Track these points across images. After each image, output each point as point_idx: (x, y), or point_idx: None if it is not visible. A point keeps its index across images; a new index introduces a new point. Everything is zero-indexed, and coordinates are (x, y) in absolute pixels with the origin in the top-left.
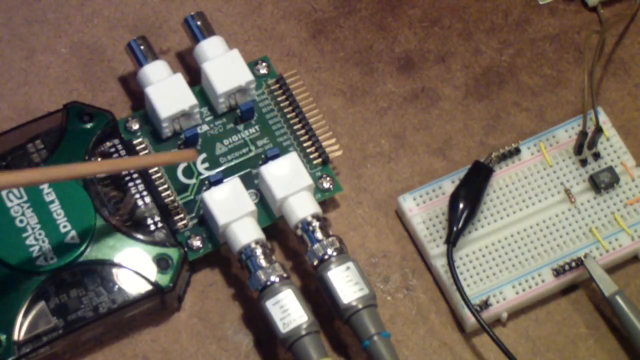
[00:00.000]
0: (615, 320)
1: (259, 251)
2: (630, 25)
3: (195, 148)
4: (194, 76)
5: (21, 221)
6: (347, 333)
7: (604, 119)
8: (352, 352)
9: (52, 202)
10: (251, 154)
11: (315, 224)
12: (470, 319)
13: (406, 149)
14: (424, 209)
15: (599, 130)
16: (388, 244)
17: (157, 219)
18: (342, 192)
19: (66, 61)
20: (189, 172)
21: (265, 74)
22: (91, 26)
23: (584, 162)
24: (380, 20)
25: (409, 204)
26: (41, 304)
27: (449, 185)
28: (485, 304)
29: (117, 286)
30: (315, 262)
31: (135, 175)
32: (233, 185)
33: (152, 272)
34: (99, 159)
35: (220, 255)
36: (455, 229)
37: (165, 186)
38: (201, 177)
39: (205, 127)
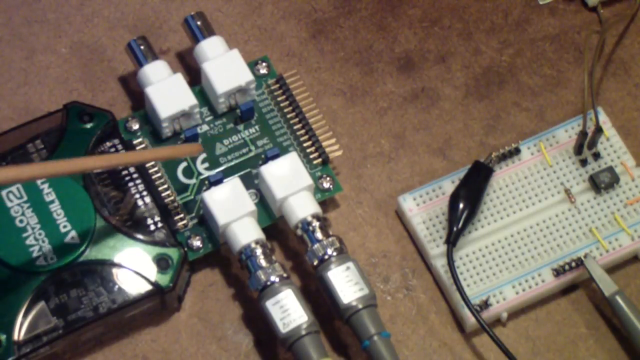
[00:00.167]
0: (615, 320)
1: (259, 251)
2: (630, 25)
3: (199, 143)
4: (194, 76)
5: (21, 221)
6: (347, 333)
7: (604, 119)
8: (352, 352)
9: (52, 202)
10: (251, 154)
11: (315, 224)
12: (470, 319)
13: (406, 149)
14: (424, 209)
15: (599, 130)
16: (388, 244)
17: (157, 219)
18: (342, 192)
19: (66, 61)
20: (189, 172)
21: (265, 74)
22: (91, 26)
23: (584, 162)
24: (380, 20)
25: (409, 204)
26: (41, 304)
27: (449, 185)
28: (485, 304)
29: (117, 286)
30: (315, 262)
31: (135, 175)
32: (233, 185)
33: (152, 272)
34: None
35: (220, 255)
36: (455, 229)
37: (165, 186)
38: (201, 177)
39: (205, 127)
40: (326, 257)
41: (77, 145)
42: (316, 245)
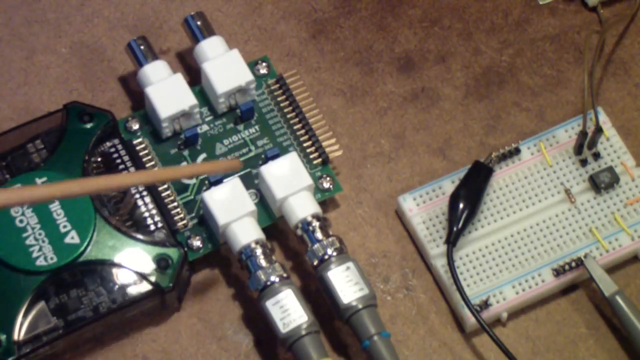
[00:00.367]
0: (615, 320)
1: (259, 251)
2: (630, 25)
3: (240, 160)
4: (194, 76)
5: (21, 221)
6: (347, 333)
7: (604, 119)
8: (352, 352)
9: (52, 202)
10: (251, 154)
11: (315, 224)
12: (470, 319)
13: (406, 149)
14: (424, 209)
15: (599, 130)
16: (388, 244)
17: (157, 219)
18: (342, 192)
19: (66, 61)
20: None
21: (265, 74)
22: (91, 26)
23: (584, 162)
24: (380, 20)
25: (409, 204)
26: (41, 304)
27: (449, 185)
28: (485, 304)
29: (117, 286)
30: (315, 262)
31: None
32: (233, 185)
33: (152, 272)
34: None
35: (220, 255)
36: (455, 229)
37: (165, 186)
38: (201, 177)
39: (205, 127)
40: (326, 257)
41: (77, 145)
42: (316, 245)
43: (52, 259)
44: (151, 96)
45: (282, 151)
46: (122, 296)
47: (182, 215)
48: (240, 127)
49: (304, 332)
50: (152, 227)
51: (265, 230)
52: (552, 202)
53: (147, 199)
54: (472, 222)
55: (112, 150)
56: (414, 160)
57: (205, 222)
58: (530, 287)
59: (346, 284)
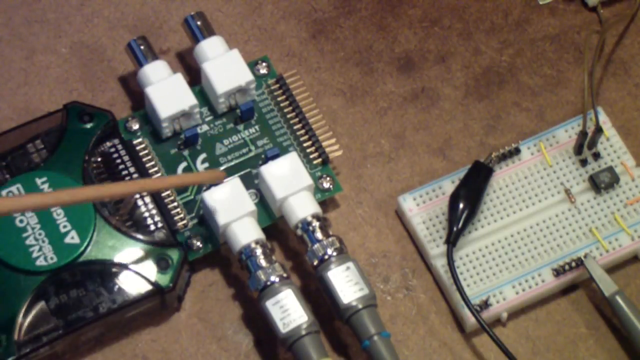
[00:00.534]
0: (615, 320)
1: (259, 251)
2: (630, 25)
3: (222, 171)
4: (194, 76)
5: (21, 221)
6: (347, 333)
7: (604, 119)
8: (352, 352)
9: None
10: (251, 154)
11: (315, 224)
12: (470, 319)
13: (406, 149)
14: (424, 209)
15: (599, 130)
16: (388, 244)
17: (157, 219)
18: (342, 192)
19: (66, 61)
20: (189, 172)
21: (265, 74)
22: (91, 26)
23: (584, 162)
24: (380, 20)
25: (409, 204)
26: (41, 304)
27: (449, 185)
28: (485, 304)
29: (117, 286)
30: (315, 262)
31: (135, 176)
32: (233, 185)
33: (152, 272)
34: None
35: (220, 255)
36: (455, 229)
37: None
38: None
39: (205, 127)
40: (326, 257)
41: (77, 145)
42: (316, 245)
43: (52, 259)
44: (151, 96)
45: (282, 151)
46: (122, 296)
47: (182, 215)
48: (240, 127)
49: (304, 332)
50: (152, 227)
51: (265, 230)
52: (552, 202)
53: (147, 199)
54: (472, 222)
55: (112, 150)
56: (414, 160)
57: (205, 222)
58: (530, 287)
59: (346, 284)
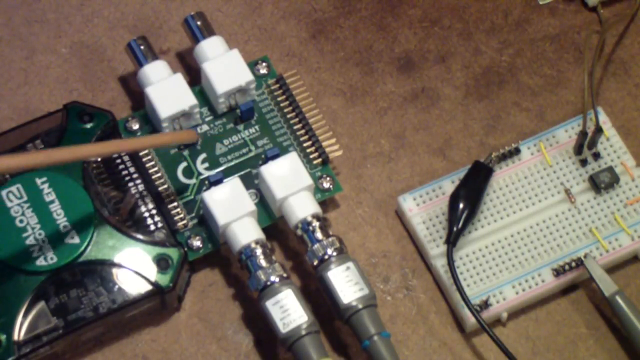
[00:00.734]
0: (615, 320)
1: (259, 251)
2: (630, 25)
3: (194, 130)
4: (194, 76)
5: (21, 221)
6: (347, 333)
7: (604, 119)
8: (352, 352)
9: (52, 202)
10: (251, 154)
11: (315, 224)
12: (470, 319)
13: (406, 149)
14: (424, 209)
15: (599, 130)
16: (388, 244)
17: (157, 219)
18: (342, 192)
19: (66, 61)
20: (189, 172)
21: (265, 74)
22: (91, 26)
23: (584, 162)
24: (380, 20)
25: (409, 204)
26: (41, 304)
27: (449, 185)
28: (485, 304)
29: (117, 286)
30: (315, 262)
31: (135, 176)
32: (233, 185)
33: (152, 272)
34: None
35: (220, 255)
36: (455, 229)
37: (165, 186)
38: (201, 177)
39: (205, 127)
40: (326, 257)
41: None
42: (316, 245)
43: (52, 259)
44: (151, 96)
45: (282, 151)
46: (122, 296)
47: (182, 215)
48: (240, 127)
49: (304, 332)
50: (152, 227)
51: (265, 230)
52: (552, 202)
53: (147, 199)
54: (472, 222)
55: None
56: (414, 160)
57: (205, 222)
58: (530, 287)
59: (346, 284)
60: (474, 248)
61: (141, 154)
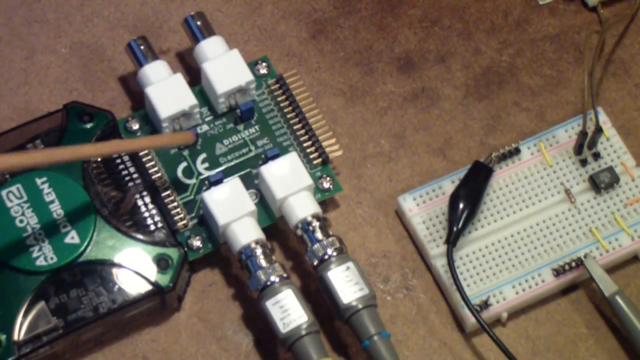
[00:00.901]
0: (615, 320)
1: (259, 251)
2: (630, 25)
3: (192, 132)
4: (194, 76)
5: (21, 221)
6: (347, 333)
7: (604, 119)
8: (352, 352)
9: (52, 202)
10: (251, 154)
11: (315, 224)
12: (470, 319)
13: (406, 149)
14: (424, 209)
15: (599, 130)
16: (388, 244)
17: (157, 219)
18: (342, 192)
19: (66, 61)
20: (189, 172)
21: (265, 74)
22: (91, 26)
23: (584, 162)
24: (380, 20)
25: (409, 204)
26: (41, 304)
27: (449, 185)
28: (485, 304)
29: (117, 286)
30: (315, 262)
31: (135, 176)
32: (233, 185)
33: (152, 272)
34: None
35: (220, 255)
36: (455, 229)
37: (165, 186)
38: (201, 177)
39: (205, 127)
40: (326, 257)
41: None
42: (316, 245)
43: (52, 259)
44: (151, 96)
45: (282, 151)
46: (122, 296)
47: (182, 215)
48: (240, 127)
49: (304, 332)
50: (152, 227)
51: (265, 230)
52: (552, 202)
53: (147, 199)
54: (472, 222)
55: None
56: (414, 160)
57: (205, 222)
58: (530, 287)
59: (346, 284)
60: (474, 248)
61: (141, 154)
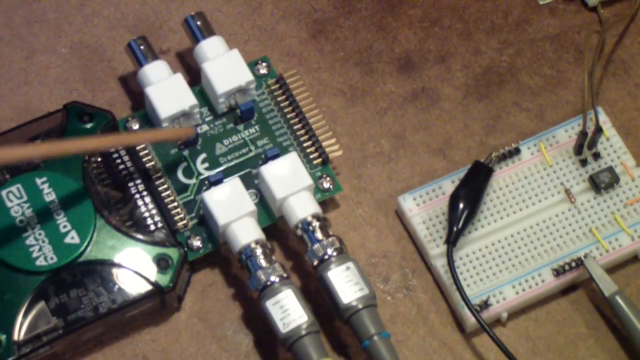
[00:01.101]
0: (615, 320)
1: (259, 251)
2: (630, 25)
3: (193, 128)
4: (194, 76)
5: (21, 221)
6: (347, 333)
7: (604, 119)
8: (352, 352)
9: (52, 202)
10: (251, 154)
11: (315, 224)
12: (470, 319)
13: (406, 149)
14: (424, 209)
15: (599, 130)
16: (388, 244)
17: (157, 219)
18: (342, 192)
19: (66, 61)
20: (189, 172)
21: (265, 74)
22: (91, 26)
23: (584, 162)
24: (380, 20)
25: (409, 204)
26: (41, 304)
27: (449, 185)
28: (485, 304)
29: (117, 286)
30: (315, 262)
31: (135, 175)
32: (233, 185)
33: (152, 272)
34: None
35: (220, 255)
36: (455, 229)
37: (165, 186)
38: (201, 177)
39: (205, 127)
40: (326, 257)
41: None
42: (316, 245)
43: (52, 259)
44: (151, 96)
45: (282, 151)
46: (122, 296)
47: (182, 215)
48: (240, 127)
49: (304, 332)
50: (152, 227)
51: (265, 230)
52: (552, 202)
53: (147, 199)
54: (472, 222)
55: (112, 150)
56: (414, 160)
57: (205, 222)
58: (530, 287)
59: (346, 284)
60: (474, 248)
61: (141, 154)
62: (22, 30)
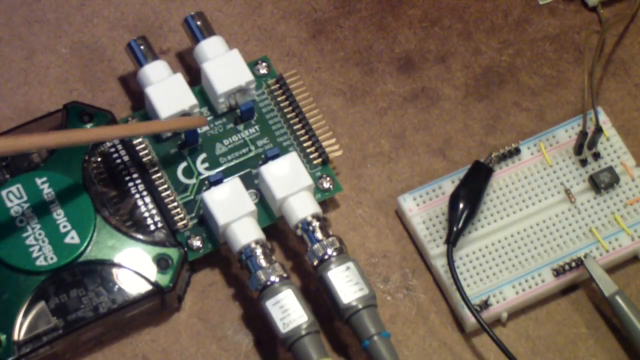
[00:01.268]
0: (615, 320)
1: (259, 251)
2: (630, 25)
3: (204, 117)
4: (194, 76)
5: (21, 221)
6: (347, 333)
7: (604, 119)
8: (352, 352)
9: (52, 202)
10: (251, 154)
11: (315, 224)
12: (470, 319)
13: (406, 149)
14: (424, 209)
15: (599, 130)
16: (388, 244)
17: (157, 219)
18: (342, 192)
19: (66, 61)
20: (189, 172)
21: (265, 74)
22: (91, 26)
23: (584, 162)
24: (380, 20)
25: (409, 204)
26: (41, 304)
27: (449, 185)
28: (485, 304)
29: (117, 286)
30: (315, 262)
31: (135, 175)
32: (233, 185)
33: (152, 272)
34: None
35: (220, 255)
36: (455, 229)
37: (165, 186)
38: (201, 177)
39: (205, 127)
40: (326, 257)
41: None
42: (316, 245)
43: (52, 259)
44: (151, 96)
45: (282, 151)
46: (122, 296)
47: (182, 215)
48: (240, 127)
49: (304, 332)
50: (152, 227)
51: (265, 230)
52: (552, 202)
53: (147, 199)
54: (472, 222)
55: (112, 150)
56: (414, 160)
57: (205, 222)
58: (530, 287)
59: (346, 284)
60: (474, 248)
61: (141, 153)
62: (22, 30)
